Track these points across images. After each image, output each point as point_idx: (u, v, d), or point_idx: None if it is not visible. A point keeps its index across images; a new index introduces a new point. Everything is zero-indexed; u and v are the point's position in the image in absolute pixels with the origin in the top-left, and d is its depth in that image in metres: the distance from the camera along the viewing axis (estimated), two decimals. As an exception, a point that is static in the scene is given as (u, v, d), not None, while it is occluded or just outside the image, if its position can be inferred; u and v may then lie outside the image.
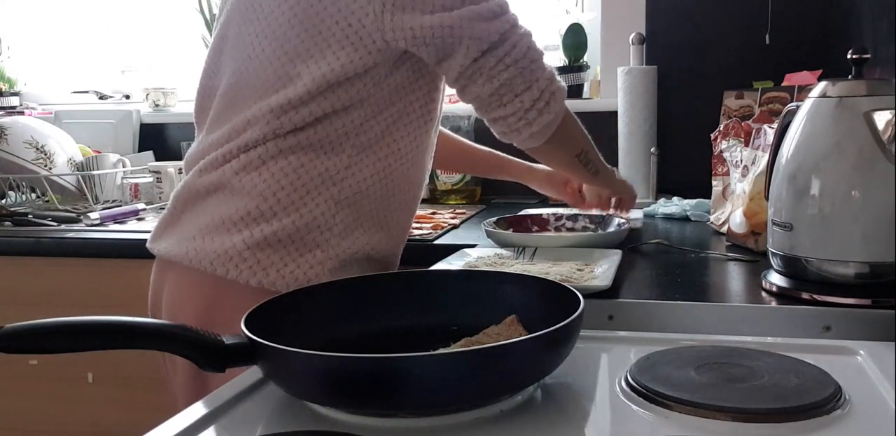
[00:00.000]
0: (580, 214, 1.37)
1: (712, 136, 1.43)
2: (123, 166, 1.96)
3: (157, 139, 2.25)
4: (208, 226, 1.00)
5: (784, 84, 1.72)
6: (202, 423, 0.60)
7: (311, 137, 0.99)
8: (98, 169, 1.92)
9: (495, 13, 0.95)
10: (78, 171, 1.93)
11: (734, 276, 1.08)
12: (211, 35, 1.13)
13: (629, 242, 1.26)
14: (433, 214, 1.71)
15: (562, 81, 1.03)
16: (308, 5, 0.95)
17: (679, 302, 0.91)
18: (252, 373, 0.68)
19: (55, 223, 1.68)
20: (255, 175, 0.99)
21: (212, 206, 1.01)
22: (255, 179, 0.99)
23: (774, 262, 0.95)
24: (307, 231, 0.99)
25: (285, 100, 0.97)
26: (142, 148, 2.21)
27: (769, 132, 1.17)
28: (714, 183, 1.41)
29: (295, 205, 0.98)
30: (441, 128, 1.29)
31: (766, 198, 0.96)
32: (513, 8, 0.99)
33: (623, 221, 1.30)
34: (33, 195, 1.98)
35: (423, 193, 1.94)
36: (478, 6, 0.94)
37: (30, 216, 1.71)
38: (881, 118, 0.84)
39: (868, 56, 0.89)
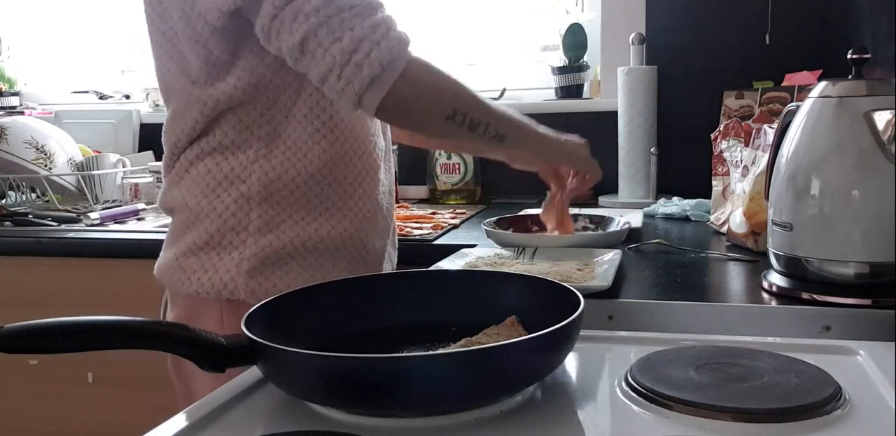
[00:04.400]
0: (580, 215, 1.37)
1: (712, 136, 1.43)
2: (123, 166, 1.96)
3: (157, 139, 2.21)
4: (164, 244, 1.08)
5: (784, 84, 1.72)
6: (202, 423, 0.60)
7: (211, 141, 1.00)
8: (98, 169, 1.92)
9: None
10: (78, 171, 1.93)
11: (734, 276, 1.08)
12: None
13: (629, 242, 1.26)
14: (433, 214, 1.71)
15: (401, 32, 0.88)
16: (156, 16, 0.98)
17: (679, 302, 0.91)
18: (252, 373, 0.68)
19: (55, 223, 1.68)
20: (177, 190, 1.03)
21: (170, 225, 1.08)
22: (176, 194, 1.03)
23: (774, 262, 0.95)
24: (221, 235, 0.99)
25: (173, 112, 1.02)
26: (142, 148, 2.21)
27: (769, 132, 1.17)
28: (714, 183, 1.41)
29: (205, 211, 1.00)
30: None
31: (766, 198, 0.96)
32: None
33: (624, 221, 1.30)
34: (33, 195, 1.98)
35: (423, 193, 1.97)
36: None
37: (30, 216, 1.71)
38: (881, 118, 0.84)
39: (868, 56, 0.89)
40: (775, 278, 0.94)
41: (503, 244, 1.21)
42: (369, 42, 0.86)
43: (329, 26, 0.86)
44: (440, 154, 1.95)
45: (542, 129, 1.04)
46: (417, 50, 0.92)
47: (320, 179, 1.01)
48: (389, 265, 1.16)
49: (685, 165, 1.80)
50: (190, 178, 1.01)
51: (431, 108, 0.93)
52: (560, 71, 2.00)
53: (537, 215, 1.39)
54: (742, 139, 1.30)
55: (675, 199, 1.66)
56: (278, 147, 0.99)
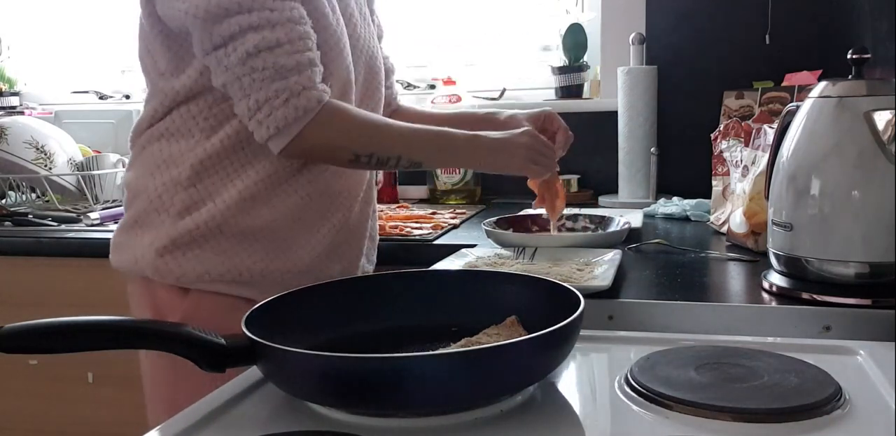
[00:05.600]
0: (580, 214, 1.37)
1: (712, 136, 1.43)
2: (123, 166, 1.96)
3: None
4: None
5: (784, 84, 1.72)
6: (202, 423, 0.60)
7: (160, 127, 1.05)
8: (98, 169, 1.92)
9: (228, 12, 0.91)
10: (78, 171, 1.93)
11: (734, 276, 1.08)
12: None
13: (629, 242, 1.26)
14: (433, 214, 1.71)
15: (303, 99, 0.94)
16: (143, 16, 1.03)
17: (679, 302, 0.91)
18: (252, 373, 0.68)
19: (55, 223, 1.68)
20: (131, 171, 1.08)
21: None
22: (129, 174, 1.08)
23: (774, 262, 0.95)
24: (146, 214, 1.04)
25: (144, 102, 1.07)
26: (142, 148, 2.21)
27: (769, 132, 1.17)
28: (714, 183, 1.41)
29: (140, 190, 1.05)
30: (413, 106, 1.34)
31: (766, 198, 0.96)
32: (268, 4, 0.92)
33: (624, 221, 1.30)
34: (33, 195, 1.98)
35: (423, 193, 1.97)
36: (205, 3, 0.91)
37: (30, 216, 1.71)
38: (881, 118, 0.84)
39: (868, 56, 0.89)
40: (775, 278, 0.94)
41: (503, 244, 1.21)
42: (269, 106, 0.94)
43: (241, 83, 0.95)
44: (440, 154, 1.95)
45: (480, 141, 1.04)
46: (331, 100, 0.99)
47: (250, 167, 1.02)
48: (340, 261, 1.12)
49: (685, 165, 1.80)
50: (141, 159, 1.07)
51: (331, 156, 1.01)
52: (560, 71, 2.00)
53: (537, 215, 1.39)
54: (742, 139, 1.30)
55: (675, 199, 1.66)
56: (216, 136, 1.02)
